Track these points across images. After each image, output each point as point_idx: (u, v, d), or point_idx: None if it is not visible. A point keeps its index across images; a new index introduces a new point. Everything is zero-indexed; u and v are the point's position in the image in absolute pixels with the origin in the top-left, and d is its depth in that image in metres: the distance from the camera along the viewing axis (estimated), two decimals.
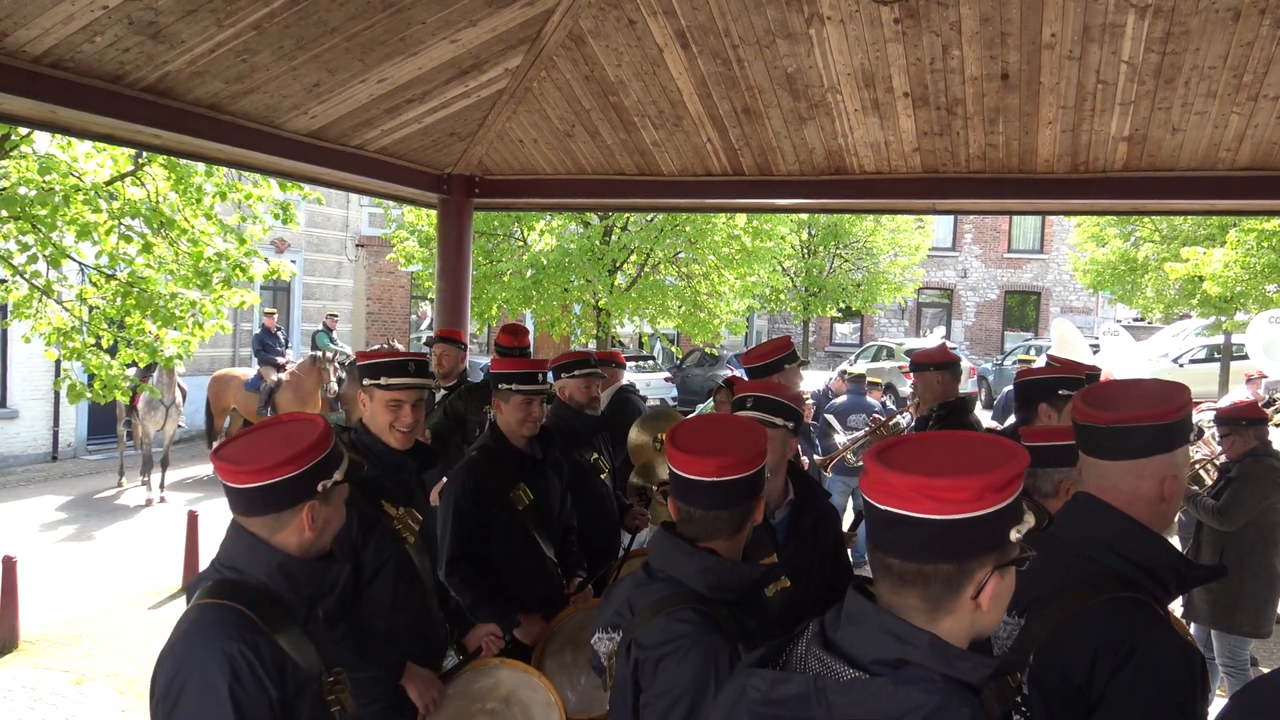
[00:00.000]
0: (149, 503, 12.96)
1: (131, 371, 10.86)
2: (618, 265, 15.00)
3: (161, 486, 13.25)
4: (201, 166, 7.31)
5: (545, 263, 14.39)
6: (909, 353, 24.56)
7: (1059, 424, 3.65)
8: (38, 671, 7.21)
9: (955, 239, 35.15)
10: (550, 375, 4.62)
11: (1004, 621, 2.19)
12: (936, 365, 5.37)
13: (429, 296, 21.89)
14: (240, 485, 2.22)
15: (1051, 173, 5.86)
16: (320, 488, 2.26)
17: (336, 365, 14.63)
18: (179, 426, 13.73)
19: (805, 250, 27.73)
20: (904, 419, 6.98)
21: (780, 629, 2.70)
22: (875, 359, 25.20)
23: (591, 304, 15.15)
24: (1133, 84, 5.06)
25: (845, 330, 36.00)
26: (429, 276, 15.01)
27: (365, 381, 3.35)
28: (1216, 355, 21.91)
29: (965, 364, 23.79)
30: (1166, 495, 2.04)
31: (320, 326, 17.42)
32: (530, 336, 26.55)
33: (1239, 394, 9.54)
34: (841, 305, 27.63)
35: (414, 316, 25.45)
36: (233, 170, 7.58)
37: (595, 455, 4.73)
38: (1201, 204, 6.24)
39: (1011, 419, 9.14)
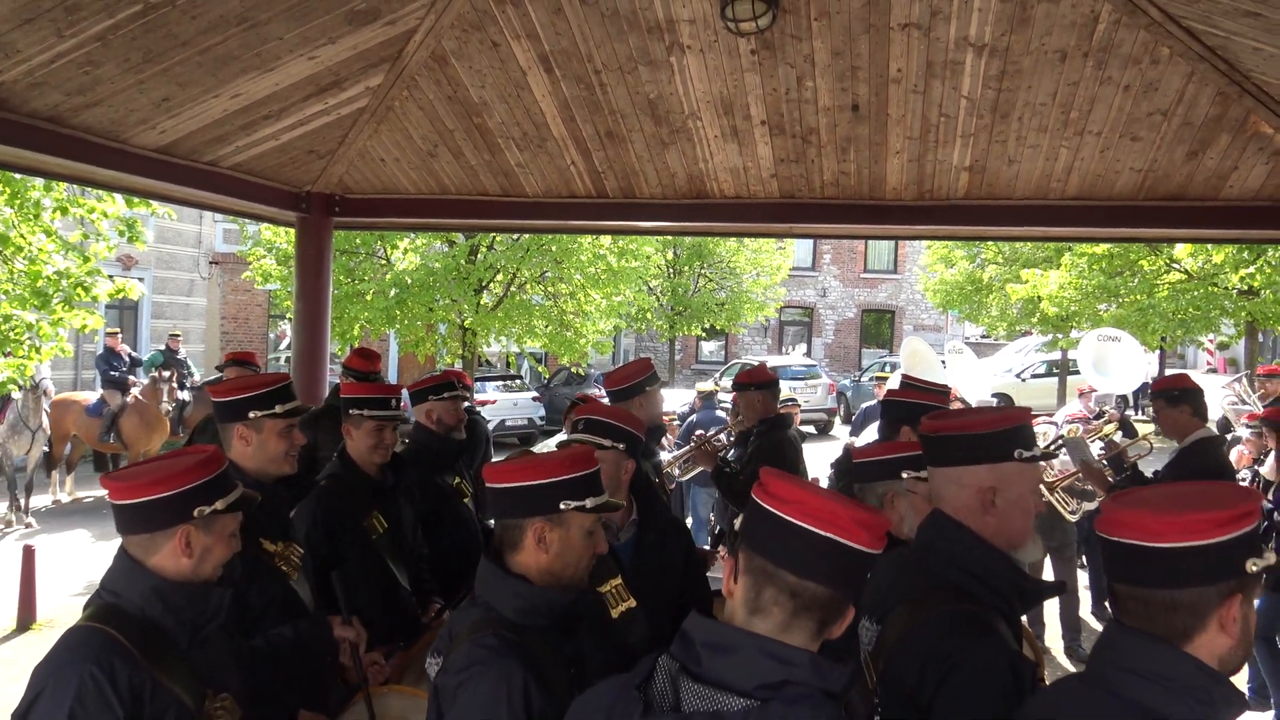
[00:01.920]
0: (8, 525, 12.49)
1: None
2: (483, 284, 14.89)
3: (27, 512, 12.78)
4: (40, 181, 6.92)
5: (409, 282, 14.16)
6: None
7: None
8: None
9: (815, 259, 36.29)
10: (409, 399, 4.56)
11: (864, 627, 2.32)
12: (757, 385, 5.55)
13: (288, 316, 21.24)
14: (117, 501, 2.34)
15: (900, 199, 6.14)
16: (196, 513, 2.33)
17: (174, 385, 13.98)
18: (44, 450, 13.25)
19: (671, 270, 28.16)
20: (724, 436, 7.19)
21: (633, 650, 2.75)
22: None
23: (457, 324, 14.99)
24: (972, 118, 5.37)
25: (711, 348, 36.64)
26: (288, 295, 14.54)
27: (253, 415, 3.19)
28: (1055, 370, 23.28)
29: (825, 380, 24.56)
30: (987, 507, 2.13)
31: (163, 347, 16.66)
32: (391, 359, 25.62)
33: (1073, 407, 10.17)
34: (706, 324, 28.13)
35: (273, 336, 24.62)
36: (74, 185, 7.21)
37: (457, 479, 4.68)
38: (1035, 231, 6.67)
39: (866, 432, 9.50)
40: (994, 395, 20.47)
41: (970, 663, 1.95)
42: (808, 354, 34.28)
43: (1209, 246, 14.68)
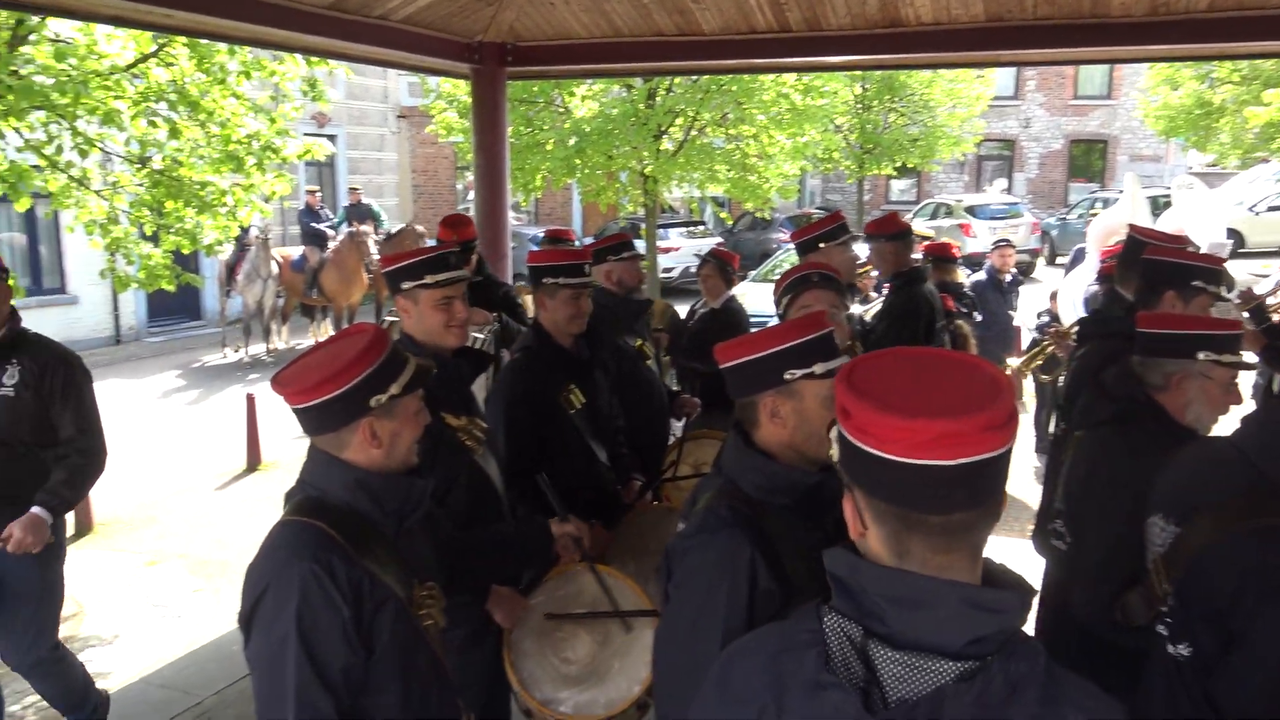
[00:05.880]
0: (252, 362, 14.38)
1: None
2: (663, 130, 14.49)
3: (269, 353, 14.60)
4: (223, 45, 7.01)
5: (588, 130, 13.96)
6: (969, 209, 23.79)
7: (1184, 313, 3.25)
8: (113, 554, 7.46)
9: (1018, 87, 33.57)
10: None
11: (1157, 524, 2.21)
12: (888, 235, 5.01)
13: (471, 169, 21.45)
14: (294, 406, 2.22)
15: (1128, 15, 5.37)
16: (373, 403, 2.20)
17: (376, 238, 14.22)
18: (278, 297, 14.59)
19: (860, 105, 26.64)
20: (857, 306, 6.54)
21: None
22: (934, 216, 24.46)
23: (638, 171, 14.74)
24: None
25: (901, 187, 34.86)
26: (470, 148, 14.64)
27: (405, 285, 3.06)
28: None
29: (1028, 219, 23.00)
30: None
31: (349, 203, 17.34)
32: (574, 209, 25.72)
33: None
34: (898, 163, 26.65)
35: (460, 187, 25.14)
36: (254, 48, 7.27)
37: (639, 341, 4.52)
38: None
39: (1078, 272, 8.69)
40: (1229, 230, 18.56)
41: None
42: (1008, 190, 32.17)
43: None
